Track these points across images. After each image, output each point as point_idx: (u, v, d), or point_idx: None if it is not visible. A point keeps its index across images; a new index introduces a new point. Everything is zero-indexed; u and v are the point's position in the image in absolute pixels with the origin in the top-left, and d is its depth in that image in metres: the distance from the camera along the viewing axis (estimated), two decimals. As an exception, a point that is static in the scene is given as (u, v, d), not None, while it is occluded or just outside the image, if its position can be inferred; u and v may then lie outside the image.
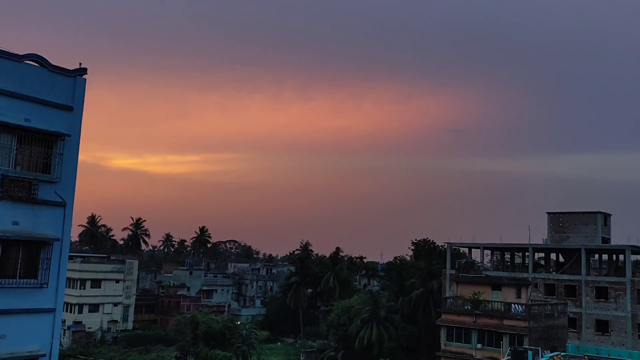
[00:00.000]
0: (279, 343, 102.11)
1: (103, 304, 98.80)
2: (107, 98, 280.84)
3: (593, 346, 56.83)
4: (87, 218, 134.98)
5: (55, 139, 22.81)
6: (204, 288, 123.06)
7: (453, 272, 71.61)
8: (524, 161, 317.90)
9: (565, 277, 70.93)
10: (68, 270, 24.99)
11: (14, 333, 21.33)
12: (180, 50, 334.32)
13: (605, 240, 75.09)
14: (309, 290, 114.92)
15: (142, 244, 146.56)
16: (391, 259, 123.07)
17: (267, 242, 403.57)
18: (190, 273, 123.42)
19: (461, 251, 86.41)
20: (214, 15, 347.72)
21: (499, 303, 55.45)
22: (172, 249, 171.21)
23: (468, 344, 56.01)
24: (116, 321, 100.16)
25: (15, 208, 21.57)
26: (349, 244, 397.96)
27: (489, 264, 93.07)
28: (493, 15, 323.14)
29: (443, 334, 58.20)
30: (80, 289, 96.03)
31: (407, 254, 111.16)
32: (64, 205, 23.02)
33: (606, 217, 76.62)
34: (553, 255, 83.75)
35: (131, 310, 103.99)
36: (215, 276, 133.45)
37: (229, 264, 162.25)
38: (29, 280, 21.90)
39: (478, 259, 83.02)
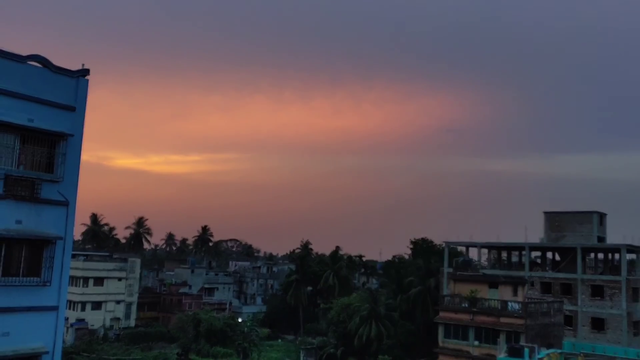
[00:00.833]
0: (280, 340, 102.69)
1: (106, 301, 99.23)
2: (110, 99, 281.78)
3: (589, 343, 57.22)
4: (90, 217, 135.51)
5: (58, 139, 23.03)
6: (206, 286, 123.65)
7: (451, 270, 72.19)
8: (521, 161, 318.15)
9: (561, 275, 71.38)
10: (71, 268, 25.31)
11: (18, 331, 21.55)
12: (183, 51, 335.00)
13: (601, 239, 75.44)
14: (309, 288, 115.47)
15: (145, 243, 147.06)
16: (390, 258, 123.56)
17: (268, 241, 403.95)
18: (192, 271, 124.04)
19: (459, 250, 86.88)
20: (216, 16, 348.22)
21: (496, 301, 55.94)
22: (174, 248, 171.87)
23: (465, 341, 56.51)
24: (119, 319, 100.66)
25: (18, 207, 21.80)
26: (349, 242, 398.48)
27: (486, 263, 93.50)
28: (492, 16, 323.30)
29: (441, 331, 58.69)
30: (83, 286, 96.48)
31: (405, 253, 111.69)
32: (66, 204, 23.28)
33: (602, 216, 76.99)
34: (549, 254, 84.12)
35: (133, 307, 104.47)
36: (216, 274, 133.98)
37: (230, 263, 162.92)
38: (32, 278, 22.10)
39: (475, 258, 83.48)
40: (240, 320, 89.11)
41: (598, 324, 66.31)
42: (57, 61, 23.81)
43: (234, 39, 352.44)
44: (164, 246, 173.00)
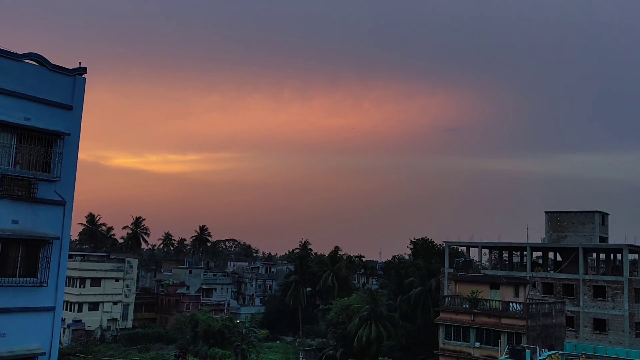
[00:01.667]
0: (278, 341, 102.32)
1: (103, 302, 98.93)
2: (108, 97, 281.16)
3: (590, 345, 56.96)
4: (87, 217, 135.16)
5: (54, 138, 22.88)
6: (204, 287, 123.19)
7: (451, 271, 71.76)
8: (522, 160, 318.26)
9: (563, 276, 71.10)
10: (68, 268, 25.12)
11: (14, 331, 21.36)
12: (181, 50, 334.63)
13: (603, 239, 75.24)
14: (308, 289, 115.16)
15: (142, 243, 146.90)
16: (390, 258, 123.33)
17: (267, 241, 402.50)
18: (190, 272, 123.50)
19: (459, 250, 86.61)
20: (215, 16, 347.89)
21: (497, 302, 55.60)
22: (172, 248, 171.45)
23: (466, 343, 56.16)
24: (116, 320, 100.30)
25: (15, 207, 21.64)
26: (348, 242, 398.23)
27: (487, 263, 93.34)
28: (492, 15, 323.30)
29: (441, 332, 58.34)
30: (80, 287, 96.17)
31: (405, 253, 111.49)
32: (63, 204, 23.09)
33: (604, 216, 76.79)
34: (551, 254, 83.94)
35: (131, 308, 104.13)
36: (214, 275, 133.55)
37: (229, 263, 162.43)
38: (28, 278, 21.92)
39: (476, 258, 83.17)
40: (238, 321, 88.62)
41: (600, 325, 66.04)
42: (54, 60, 23.65)
43: (233, 38, 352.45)
44: (161, 246, 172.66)
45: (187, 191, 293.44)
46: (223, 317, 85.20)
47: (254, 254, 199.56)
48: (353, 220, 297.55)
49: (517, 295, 57.20)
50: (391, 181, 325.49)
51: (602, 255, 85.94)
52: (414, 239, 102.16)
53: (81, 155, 24.02)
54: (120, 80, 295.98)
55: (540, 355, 45.86)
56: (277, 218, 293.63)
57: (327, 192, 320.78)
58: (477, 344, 55.25)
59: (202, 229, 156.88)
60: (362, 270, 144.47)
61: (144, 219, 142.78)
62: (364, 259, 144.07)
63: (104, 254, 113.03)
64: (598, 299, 66.53)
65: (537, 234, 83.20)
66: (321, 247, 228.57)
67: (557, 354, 47.48)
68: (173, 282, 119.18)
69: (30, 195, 21.99)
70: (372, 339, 71.70)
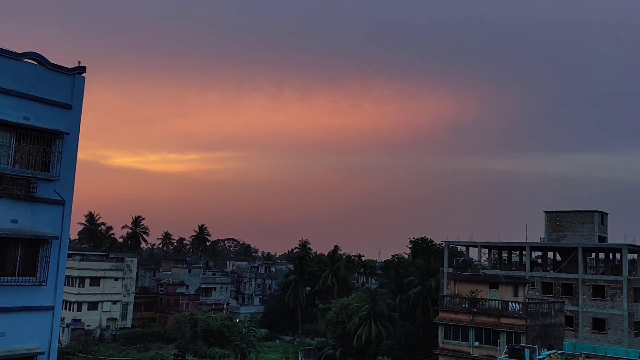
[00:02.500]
0: (278, 341, 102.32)
1: (102, 301, 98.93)
2: (108, 97, 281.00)
3: (590, 344, 56.96)
4: (86, 216, 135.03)
5: (54, 137, 22.82)
6: (203, 286, 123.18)
7: (451, 270, 71.76)
8: (522, 160, 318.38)
9: (562, 275, 71.11)
10: (67, 268, 25.12)
11: (13, 331, 21.34)
12: (181, 49, 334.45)
13: (602, 239, 75.27)
14: (308, 289, 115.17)
15: (141, 242, 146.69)
16: (389, 257, 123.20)
17: (266, 241, 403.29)
18: (189, 271, 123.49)
19: (459, 249, 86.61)
20: (214, 15, 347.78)
21: (497, 301, 55.60)
22: (171, 247, 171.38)
23: (465, 342, 56.17)
24: (115, 319, 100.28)
25: (14, 206, 21.61)
26: (348, 242, 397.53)
27: (486, 263, 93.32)
28: (492, 15, 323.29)
29: (441, 332, 58.34)
30: (79, 286, 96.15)
31: (405, 252, 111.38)
32: (62, 203, 23.06)
33: (603, 216, 76.82)
34: (550, 254, 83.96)
35: (130, 308, 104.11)
36: (214, 274, 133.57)
37: (228, 262, 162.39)
38: (27, 278, 21.88)
39: (475, 258, 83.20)
40: (237, 320, 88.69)
41: (599, 325, 66.05)
42: (54, 59, 23.61)
43: (233, 38, 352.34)
44: (160, 246, 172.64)
45: (186, 190, 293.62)
46: (222, 317, 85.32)
47: (254, 254, 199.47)
48: (352, 219, 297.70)
49: (516, 294, 57.22)
50: (391, 181, 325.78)
51: (602, 255, 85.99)
52: (414, 238, 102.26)
53: (80, 155, 24.02)
54: (120, 79, 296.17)
55: (539, 355, 45.90)
56: (276, 217, 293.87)
57: (327, 192, 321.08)
58: (477, 343, 55.27)
59: (201, 228, 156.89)
60: (362, 270, 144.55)
61: (143, 218, 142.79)
62: (363, 259, 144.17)
63: (103, 254, 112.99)
64: (597, 298, 66.55)
65: (536, 233, 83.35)
66: (320, 247, 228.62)
67: (556, 354, 47.51)
68: (172, 282, 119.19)
69: (29, 194, 21.96)
70: (372, 338, 71.69)
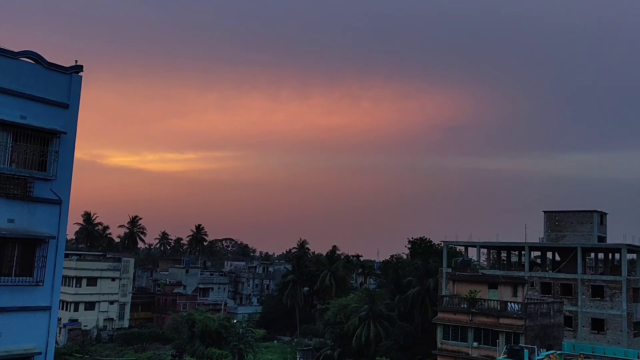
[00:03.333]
0: (276, 341, 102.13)
1: (99, 302, 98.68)
2: (105, 96, 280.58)
3: (589, 344, 56.91)
4: (83, 216, 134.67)
5: (51, 137, 22.78)
6: (200, 286, 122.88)
7: (449, 270, 71.69)
8: (521, 160, 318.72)
9: (561, 275, 71.02)
10: (64, 268, 24.99)
11: (10, 331, 21.30)
12: (179, 48, 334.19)
13: (601, 239, 75.19)
14: (306, 289, 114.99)
15: (139, 242, 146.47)
16: (388, 258, 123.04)
17: (264, 240, 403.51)
18: (187, 271, 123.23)
19: (457, 250, 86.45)
20: (213, 14, 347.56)
21: (495, 302, 55.49)
22: (169, 247, 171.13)
23: (464, 343, 56.04)
24: (112, 319, 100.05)
25: (10, 205, 21.55)
26: (346, 242, 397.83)
27: (485, 263, 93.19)
28: (489, 14, 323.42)
29: (439, 332, 58.21)
30: (76, 286, 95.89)
31: (403, 253, 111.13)
32: (59, 202, 22.98)
33: (602, 215, 76.74)
34: (549, 254, 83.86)
35: (127, 308, 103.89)
36: (211, 274, 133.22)
37: (226, 262, 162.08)
38: (24, 278, 21.85)
39: (474, 258, 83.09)
40: (235, 321, 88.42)
41: (598, 325, 65.96)
42: (51, 58, 23.52)
43: (231, 37, 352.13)
44: (158, 245, 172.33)
45: (184, 190, 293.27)
46: (220, 317, 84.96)
47: (251, 254, 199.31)
48: (351, 219, 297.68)
49: (515, 295, 57.10)
50: (389, 180, 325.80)
51: (601, 255, 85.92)
52: (412, 238, 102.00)
53: (77, 154, 23.95)
54: (117, 78, 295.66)
55: (538, 355, 45.84)
56: (274, 217, 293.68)
57: (325, 192, 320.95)
58: (475, 343, 55.15)
59: (199, 228, 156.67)
60: (360, 270, 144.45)
61: (141, 218, 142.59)
62: (361, 259, 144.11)
63: (100, 253, 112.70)
64: (596, 298, 66.46)
65: (535, 233, 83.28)
66: (319, 247, 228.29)
67: (555, 354, 47.43)
68: (170, 282, 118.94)
69: (26, 194, 21.90)
70: (370, 338, 71.57)
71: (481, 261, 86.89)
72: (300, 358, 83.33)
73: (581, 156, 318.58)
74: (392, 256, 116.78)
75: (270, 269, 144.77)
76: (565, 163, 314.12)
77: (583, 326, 66.61)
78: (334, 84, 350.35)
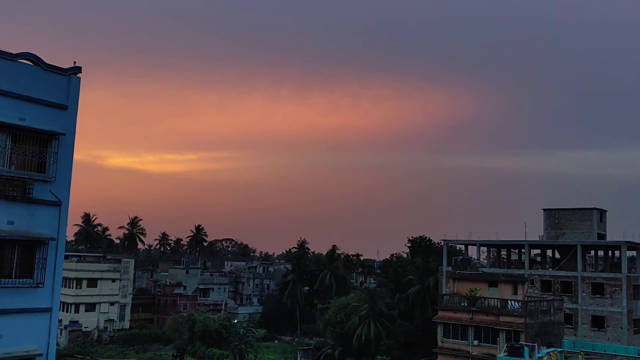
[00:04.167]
0: (276, 341, 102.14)
1: (99, 303, 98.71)
2: (105, 97, 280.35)
3: (589, 342, 56.92)
4: (82, 217, 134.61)
5: (50, 138, 22.72)
6: (201, 287, 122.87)
7: (449, 269, 71.71)
8: (520, 158, 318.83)
9: (561, 273, 71.07)
10: (64, 269, 24.98)
11: (11, 333, 21.24)
12: (178, 49, 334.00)
13: (601, 236, 75.23)
14: (306, 288, 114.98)
15: (138, 243, 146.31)
16: (388, 257, 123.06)
17: (264, 241, 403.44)
18: (187, 272, 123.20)
19: (457, 248, 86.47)
20: (212, 14, 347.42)
21: (496, 300, 55.51)
22: (169, 248, 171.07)
23: (465, 341, 56.06)
24: (113, 320, 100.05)
25: (10, 207, 21.50)
26: (346, 241, 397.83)
27: (485, 261, 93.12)
28: (489, 13, 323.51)
29: (440, 330, 58.21)
30: (76, 288, 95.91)
31: (403, 252, 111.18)
32: (59, 204, 22.94)
33: (602, 213, 76.77)
34: (549, 252, 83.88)
35: (128, 309, 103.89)
36: (211, 275, 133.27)
37: (226, 263, 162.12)
38: (25, 280, 21.80)
39: (474, 256, 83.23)
40: (236, 321, 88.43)
41: (598, 322, 66.03)
42: (49, 59, 23.49)
43: (231, 37, 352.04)
44: (158, 246, 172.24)
45: (183, 191, 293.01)
46: (220, 317, 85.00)
47: (251, 254, 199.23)
48: (351, 219, 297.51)
49: (515, 293, 57.11)
50: (389, 179, 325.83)
51: (601, 253, 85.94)
52: (412, 237, 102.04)
53: (77, 155, 23.92)
54: (117, 79, 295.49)
55: (539, 353, 45.80)
56: (274, 217, 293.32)
57: (325, 191, 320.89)
58: (476, 342, 55.16)
59: (198, 228, 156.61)
60: (360, 269, 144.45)
61: (140, 219, 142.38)
62: (361, 258, 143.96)
63: (100, 255, 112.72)
64: (596, 296, 66.53)
65: (535, 231, 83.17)
66: (318, 246, 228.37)
67: (555, 352, 47.44)
68: (170, 283, 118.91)
69: (25, 195, 21.86)
70: (371, 337, 71.58)
71: (481, 259, 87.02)
72: (301, 357, 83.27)
73: (581, 154, 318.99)
74: (392, 255, 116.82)
75: (271, 268, 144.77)
76: (564, 161, 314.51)
77: (583, 323, 66.65)
78: (333, 84, 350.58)
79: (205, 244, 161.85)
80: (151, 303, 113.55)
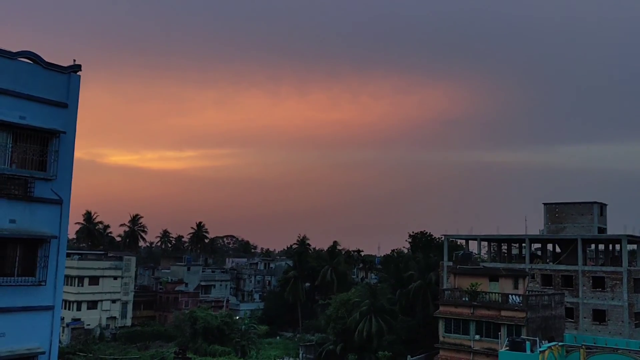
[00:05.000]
0: (278, 337, 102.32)
1: (101, 300, 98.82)
2: (104, 95, 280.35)
3: (590, 336, 57.04)
4: (84, 215, 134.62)
5: (50, 136, 22.76)
6: (202, 283, 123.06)
7: (450, 264, 71.80)
8: (520, 152, 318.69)
9: (562, 267, 71.15)
10: (66, 267, 25.01)
11: (13, 331, 21.35)
12: (177, 46, 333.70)
13: (602, 230, 75.29)
14: (307, 284, 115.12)
15: (140, 241, 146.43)
16: (388, 252, 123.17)
17: (265, 237, 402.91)
18: (188, 269, 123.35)
19: (458, 243, 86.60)
20: (210, 10, 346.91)
21: (497, 294, 55.62)
22: (170, 245, 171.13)
23: (466, 336, 56.19)
24: (115, 318, 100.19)
25: (11, 206, 21.56)
26: (347, 237, 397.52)
27: (486, 256, 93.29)
28: (488, 6, 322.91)
29: (441, 325, 58.34)
30: (78, 286, 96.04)
31: (404, 247, 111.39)
32: (60, 202, 22.99)
33: (602, 207, 76.83)
34: (550, 246, 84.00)
35: (129, 306, 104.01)
36: (213, 271, 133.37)
37: (227, 259, 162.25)
38: (27, 278, 21.88)
39: (475, 251, 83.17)
40: (237, 317, 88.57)
41: (599, 316, 66.14)
42: (49, 57, 23.47)
43: (229, 33, 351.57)
44: (159, 244, 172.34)
45: (184, 188, 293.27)
46: (222, 314, 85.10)
47: (253, 250, 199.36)
48: (351, 214, 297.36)
49: (516, 287, 57.23)
50: (389, 174, 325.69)
51: (601, 246, 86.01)
52: (413, 232, 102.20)
53: (77, 153, 23.94)
54: (116, 77, 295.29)
55: (540, 347, 45.87)
56: (275, 213, 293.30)
57: (325, 187, 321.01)
58: (477, 336, 55.28)
59: (199, 225, 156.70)
60: (361, 265, 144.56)
61: (141, 217, 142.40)
62: (362, 254, 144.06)
63: (102, 253, 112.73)
64: (597, 289, 66.61)
65: (535, 225, 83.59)
66: (319, 242, 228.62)
67: (557, 346, 47.53)
68: (171, 280, 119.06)
69: (26, 194, 21.92)
70: (373, 333, 71.66)
71: (482, 254, 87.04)
72: (302, 353, 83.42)
73: (580, 148, 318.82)
74: (393, 251, 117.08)
75: (272, 265, 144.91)
76: (564, 155, 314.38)
77: (584, 317, 66.76)
78: (333, 79, 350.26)
79: (206, 240, 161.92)
80: (153, 300, 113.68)
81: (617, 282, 65.10)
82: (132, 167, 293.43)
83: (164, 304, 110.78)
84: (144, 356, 76.45)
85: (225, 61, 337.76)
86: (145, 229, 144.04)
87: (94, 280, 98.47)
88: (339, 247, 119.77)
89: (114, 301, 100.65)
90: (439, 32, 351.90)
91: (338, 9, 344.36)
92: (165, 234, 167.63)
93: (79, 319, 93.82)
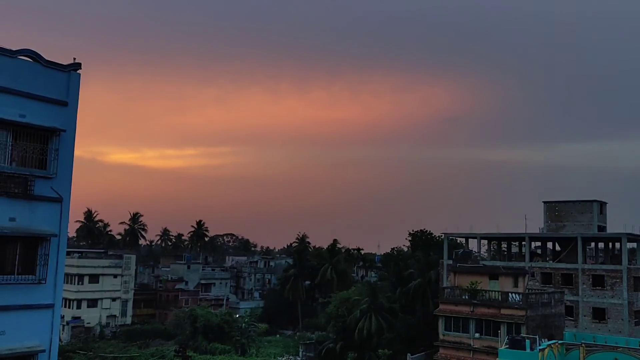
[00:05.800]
0: (278, 335, 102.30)
1: (101, 299, 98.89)
2: (104, 93, 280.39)
3: (590, 334, 57.08)
4: (84, 213, 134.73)
5: (50, 135, 22.72)
6: (202, 282, 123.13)
7: (450, 262, 71.86)
8: (520, 150, 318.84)
9: (562, 265, 71.18)
10: (66, 265, 25.01)
11: (13, 329, 21.31)
12: (178, 44, 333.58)
13: (602, 228, 75.30)
14: (307, 283, 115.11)
15: (140, 239, 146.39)
16: (388, 250, 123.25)
17: (265, 235, 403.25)
18: (188, 267, 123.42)
19: (458, 241, 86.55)
20: (211, 8, 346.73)
21: (497, 292, 55.67)
22: (170, 244, 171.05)
23: (466, 334, 56.25)
24: (115, 316, 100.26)
25: (11, 204, 21.52)
26: (346, 235, 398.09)
27: (486, 254, 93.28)
28: (490, 4, 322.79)
29: (441, 324, 58.39)
30: (78, 284, 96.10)
31: (404, 245, 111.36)
32: (60, 200, 22.96)
33: (602, 205, 76.83)
34: (550, 244, 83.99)
35: (129, 305, 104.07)
36: (213, 270, 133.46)
37: (227, 258, 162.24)
38: (27, 276, 21.85)
39: (475, 249, 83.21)
40: (237, 315, 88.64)
41: (599, 314, 66.18)
42: (49, 56, 23.43)
43: (230, 31, 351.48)
44: (159, 242, 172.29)
45: (184, 186, 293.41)
46: (222, 312, 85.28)
47: (252, 248, 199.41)
48: (351, 213, 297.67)
49: (516, 285, 57.25)
50: (389, 173, 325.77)
51: (601, 245, 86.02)
52: (413, 231, 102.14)
53: (77, 152, 23.92)
54: (116, 75, 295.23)
55: (540, 345, 45.92)
56: (275, 212, 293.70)
57: (326, 185, 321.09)
58: (477, 334, 55.34)
59: (199, 223, 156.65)
60: (361, 263, 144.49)
61: (141, 215, 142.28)
62: (362, 252, 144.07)
63: (102, 251, 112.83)
64: (597, 288, 66.65)
65: (535, 224, 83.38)
66: (319, 241, 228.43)
67: (556, 344, 47.56)
68: (171, 278, 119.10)
69: (26, 192, 21.87)
70: (373, 331, 71.61)
71: (482, 252, 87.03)
72: (302, 352, 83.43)
73: (581, 146, 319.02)
74: (393, 249, 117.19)
75: (272, 263, 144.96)
76: (565, 153, 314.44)
77: (584, 315, 66.80)
78: (333, 77, 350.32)
79: (206, 239, 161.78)
80: (153, 298, 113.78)
81: (617, 280, 65.14)
82: (132, 165, 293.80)
83: (164, 302, 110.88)
84: (144, 354, 76.49)
85: (226, 59, 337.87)
86: (145, 227, 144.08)
87: (94, 279, 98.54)
88: (339, 245, 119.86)
89: (114, 299, 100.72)
90: (440, 30, 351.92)
91: (338, 7, 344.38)
92: (165, 232, 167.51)
93: (79, 317, 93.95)
